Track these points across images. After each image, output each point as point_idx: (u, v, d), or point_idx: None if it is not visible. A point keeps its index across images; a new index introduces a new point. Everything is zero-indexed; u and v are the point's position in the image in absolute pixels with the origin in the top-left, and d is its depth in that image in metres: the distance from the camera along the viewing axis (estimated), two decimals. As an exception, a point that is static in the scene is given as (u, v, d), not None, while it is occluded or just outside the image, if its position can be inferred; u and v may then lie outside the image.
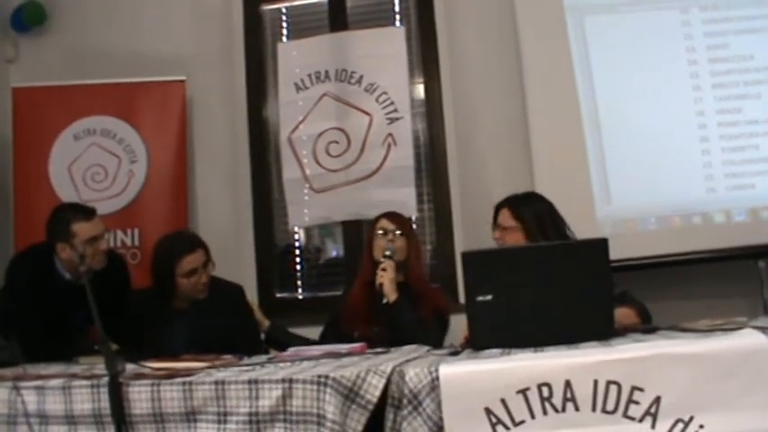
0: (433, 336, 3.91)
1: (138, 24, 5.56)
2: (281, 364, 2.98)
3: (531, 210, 3.82)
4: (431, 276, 5.35)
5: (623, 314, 3.25)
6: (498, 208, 3.89)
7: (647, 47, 4.87)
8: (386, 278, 3.98)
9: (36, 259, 4.21)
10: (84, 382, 2.79)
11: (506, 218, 3.82)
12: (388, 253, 4.07)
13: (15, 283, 4.18)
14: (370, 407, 2.49)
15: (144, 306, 4.17)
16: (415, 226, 5.40)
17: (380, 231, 4.22)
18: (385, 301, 3.97)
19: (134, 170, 5.31)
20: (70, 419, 2.77)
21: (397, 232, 4.20)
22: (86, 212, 4.14)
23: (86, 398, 2.76)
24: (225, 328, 4.03)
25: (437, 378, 2.42)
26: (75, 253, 4.01)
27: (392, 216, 4.30)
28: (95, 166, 5.21)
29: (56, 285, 4.11)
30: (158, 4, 5.58)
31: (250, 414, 2.58)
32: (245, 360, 3.30)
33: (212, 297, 4.18)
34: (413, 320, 3.95)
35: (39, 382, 2.87)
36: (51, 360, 3.66)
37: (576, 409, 2.34)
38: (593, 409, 2.33)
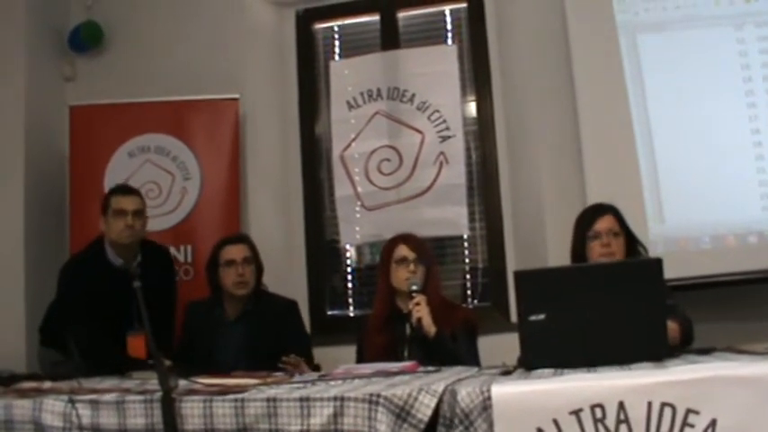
0: (470, 357, 3.87)
1: (192, 44, 5.61)
2: (333, 383, 2.98)
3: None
4: (482, 295, 5.36)
5: None
6: (598, 214, 3.77)
7: (700, 64, 4.82)
8: (423, 312, 3.83)
9: (86, 253, 4.40)
10: (138, 397, 2.82)
11: (614, 223, 3.72)
12: (414, 288, 3.90)
13: (66, 290, 4.31)
14: (422, 426, 2.48)
15: (197, 316, 4.34)
16: (466, 244, 5.41)
17: (399, 259, 4.04)
18: (408, 327, 3.93)
19: (187, 187, 5.35)
20: (124, 434, 2.80)
21: (418, 261, 4.02)
22: (125, 189, 4.40)
23: (140, 413, 2.79)
24: (276, 340, 4.09)
25: (489, 398, 2.41)
26: (106, 225, 4.26)
27: (409, 241, 4.12)
28: (149, 183, 5.24)
29: (107, 275, 4.21)
30: (212, 23, 5.64)
31: (302, 432, 2.59)
32: (297, 377, 3.31)
33: (264, 309, 4.30)
34: (454, 350, 3.83)
35: (93, 396, 2.90)
36: (104, 365, 3.78)
37: (630, 431, 2.31)
38: (647, 432, 2.31)
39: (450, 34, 5.67)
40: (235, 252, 4.27)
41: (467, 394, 2.46)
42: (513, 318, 3.29)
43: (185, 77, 5.51)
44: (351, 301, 5.70)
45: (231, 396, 2.72)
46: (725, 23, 4.85)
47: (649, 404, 2.31)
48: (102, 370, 3.74)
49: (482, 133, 5.49)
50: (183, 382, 2.92)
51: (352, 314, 5.66)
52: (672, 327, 3.27)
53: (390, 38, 5.69)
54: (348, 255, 5.75)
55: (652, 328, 2.85)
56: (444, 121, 5.23)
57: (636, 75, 4.90)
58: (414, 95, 5.31)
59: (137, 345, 3.83)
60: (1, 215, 5.26)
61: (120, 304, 3.91)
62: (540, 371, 2.77)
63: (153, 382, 2.90)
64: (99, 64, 5.83)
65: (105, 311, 4.07)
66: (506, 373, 2.86)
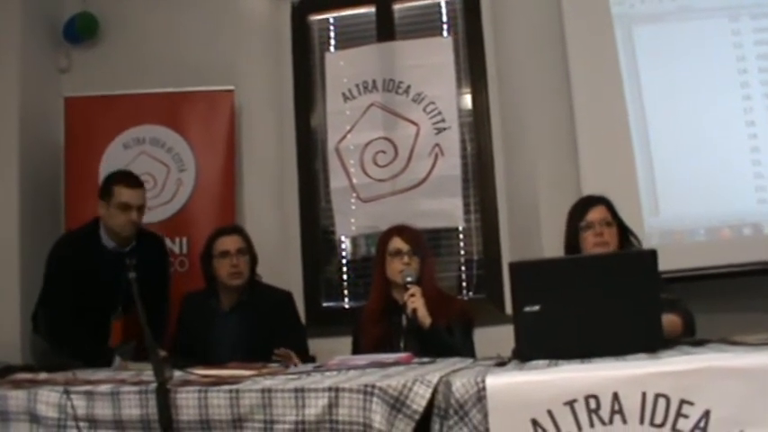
0: (465, 349, 3.85)
1: (187, 35, 5.60)
2: (328, 373, 2.98)
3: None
4: (477, 287, 5.36)
5: (668, 321, 3.21)
6: (590, 205, 3.80)
7: (696, 56, 4.82)
8: (418, 303, 3.83)
9: (80, 231, 4.44)
10: (133, 388, 2.82)
11: (606, 214, 3.75)
12: (409, 279, 3.91)
13: (55, 267, 4.32)
14: (417, 416, 2.48)
15: (192, 307, 4.36)
16: (461, 236, 5.41)
17: (393, 251, 4.03)
18: (404, 319, 3.93)
19: (182, 179, 5.35)
20: (118, 424, 2.80)
21: (412, 253, 4.01)
22: (133, 181, 4.38)
23: (135, 403, 2.79)
24: (270, 331, 4.09)
25: (484, 388, 2.41)
26: (107, 212, 4.25)
27: (404, 233, 4.10)
28: (144, 175, 5.18)
29: (99, 256, 4.27)
30: (208, 15, 5.62)
31: (296, 422, 2.59)
32: (292, 368, 3.32)
33: (259, 300, 4.31)
34: (449, 342, 3.83)
35: (88, 387, 2.90)
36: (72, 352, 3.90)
37: (624, 421, 2.31)
38: (641, 422, 2.30)
39: (445, 26, 5.67)
40: (229, 243, 4.28)
41: (461, 385, 2.46)
42: (509, 309, 3.29)
43: (181, 69, 5.50)
44: (346, 292, 5.70)
45: (226, 387, 2.72)
46: (720, 15, 4.85)
47: (643, 395, 2.31)
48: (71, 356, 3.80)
49: (477, 125, 5.49)
50: (177, 373, 2.92)
51: (347, 305, 5.66)
52: (674, 320, 3.29)
53: (386, 29, 5.69)
54: (343, 246, 5.75)
55: (646, 320, 2.85)
56: (440, 113, 5.24)
57: (631, 66, 4.90)
58: (409, 87, 5.32)
59: (117, 329, 3.84)
60: (-5, 206, 5.26)
61: (109, 287, 3.93)
62: (534, 362, 2.78)
63: (148, 373, 2.91)
64: (94, 55, 5.82)
65: (92, 293, 4.12)
66: (501, 364, 2.86)
